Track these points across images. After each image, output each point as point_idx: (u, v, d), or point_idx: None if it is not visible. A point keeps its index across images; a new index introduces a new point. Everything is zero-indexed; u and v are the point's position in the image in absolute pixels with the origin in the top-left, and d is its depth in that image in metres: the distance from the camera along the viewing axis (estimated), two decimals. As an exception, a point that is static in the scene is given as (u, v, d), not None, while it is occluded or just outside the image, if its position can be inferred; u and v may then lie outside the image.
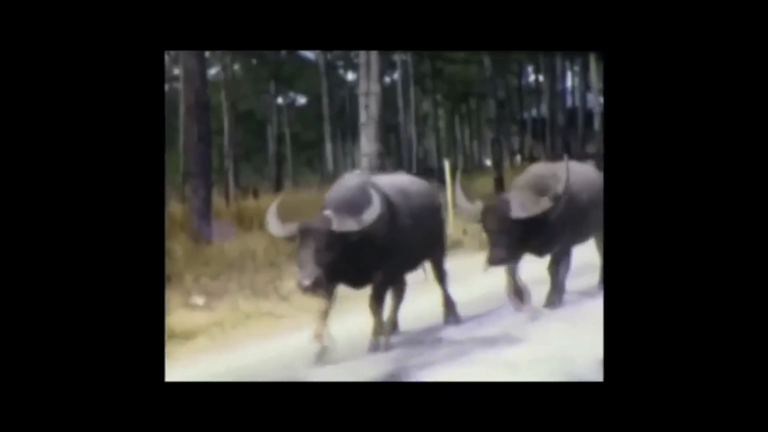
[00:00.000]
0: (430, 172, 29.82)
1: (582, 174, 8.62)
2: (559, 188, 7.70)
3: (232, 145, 30.42)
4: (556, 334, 6.67)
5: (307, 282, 6.25)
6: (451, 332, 7.48)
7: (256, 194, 34.88)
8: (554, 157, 23.50)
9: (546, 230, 7.75)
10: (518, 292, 8.01)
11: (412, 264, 7.83)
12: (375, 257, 7.02)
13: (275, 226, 6.75)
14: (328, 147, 32.75)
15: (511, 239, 7.54)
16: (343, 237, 6.57)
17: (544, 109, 35.37)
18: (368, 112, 17.06)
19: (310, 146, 38.81)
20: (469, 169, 35.14)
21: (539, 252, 8.14)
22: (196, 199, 15.90)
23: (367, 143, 17.21)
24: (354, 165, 29.48)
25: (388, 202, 7.17)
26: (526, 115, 38.21)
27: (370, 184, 7.22)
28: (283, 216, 6.72)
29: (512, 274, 8.03)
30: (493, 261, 7.48)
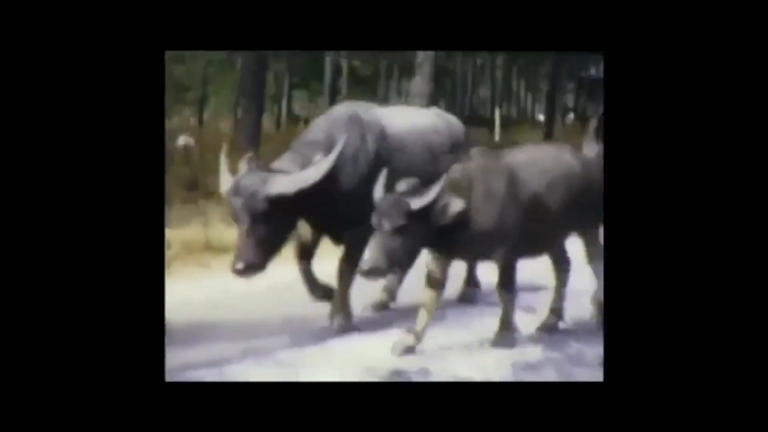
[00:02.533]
0: (480, 120, 29.76)
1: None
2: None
3: (289, 73, 30.61)
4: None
5: (239, 266, 5.45)
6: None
7: (306, 123, 35.09)
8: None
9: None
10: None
11: None
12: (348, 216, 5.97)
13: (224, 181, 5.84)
14: (382, 83, 32.73)
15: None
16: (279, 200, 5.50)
17: (603, 69, 34.95)
18: (426, 53, 17.04)
19: (365, 81, 38.68)
20: (521, 121, 34.85)
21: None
22: (246, 120, 16.26)
23: (421, 83, 17.24)
24: (407, 104, 29.51)
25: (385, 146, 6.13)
26: (584, 73, 37.69)
27: (357, 121, 6.08)
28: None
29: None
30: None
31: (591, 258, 6.37)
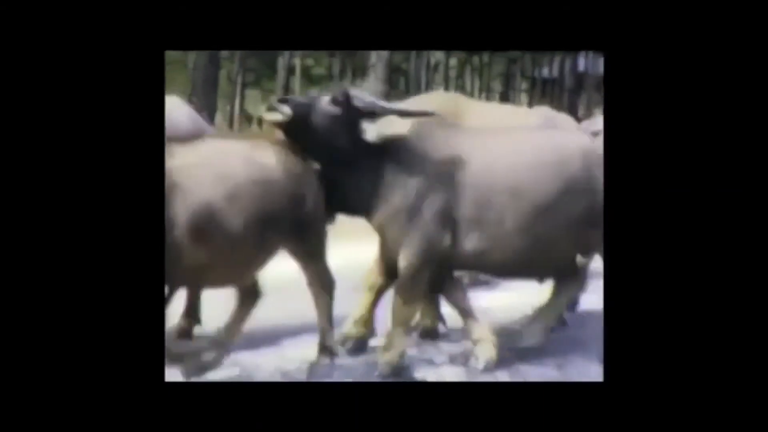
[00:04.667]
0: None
1: None
2: None
3: (241, 72, 30.36)
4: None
5: None
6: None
7: (260, 122, 34.82)
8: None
9: None
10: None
11: None
12: None
13: None
14: (336, 83, 32.67)
15: None
16: None
17: (556, 69, 35.36)
18: (378, 53, 17.17)
19: (319, 80, 38.55)
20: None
21: None
22: (198, 119, 16.09)
23: (375, 83, 17.35)
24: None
25: None
26: (537, 73, 37.99)
27: None
28: None
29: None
30: None
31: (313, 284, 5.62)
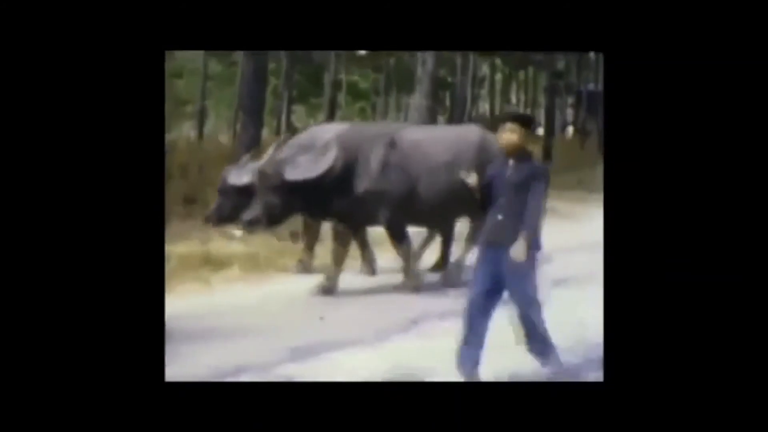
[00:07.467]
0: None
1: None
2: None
3: (287, 87, 30.66)
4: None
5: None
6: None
7: (306, 137, 34.97)
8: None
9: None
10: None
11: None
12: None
13: None
14: (382, 98, 32.84)
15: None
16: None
17: (602, 83, 35.08)
18: (425, 68, 17.23)
19: (364, 96, 38.75)
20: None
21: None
22: (245, 136, 16.27)
23: (420, 98, 17.40)
24: (406, 119, 29.55)
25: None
26: (582, 87, 37.77)
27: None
28: None
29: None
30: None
31: None
